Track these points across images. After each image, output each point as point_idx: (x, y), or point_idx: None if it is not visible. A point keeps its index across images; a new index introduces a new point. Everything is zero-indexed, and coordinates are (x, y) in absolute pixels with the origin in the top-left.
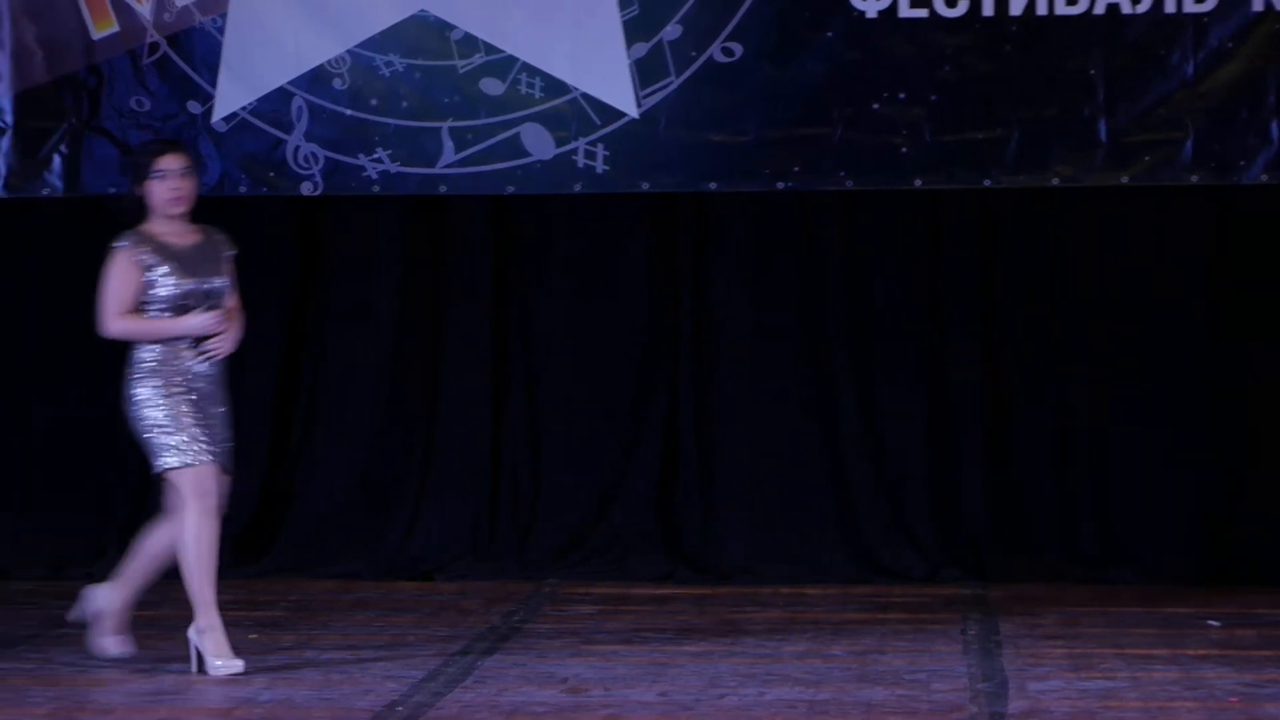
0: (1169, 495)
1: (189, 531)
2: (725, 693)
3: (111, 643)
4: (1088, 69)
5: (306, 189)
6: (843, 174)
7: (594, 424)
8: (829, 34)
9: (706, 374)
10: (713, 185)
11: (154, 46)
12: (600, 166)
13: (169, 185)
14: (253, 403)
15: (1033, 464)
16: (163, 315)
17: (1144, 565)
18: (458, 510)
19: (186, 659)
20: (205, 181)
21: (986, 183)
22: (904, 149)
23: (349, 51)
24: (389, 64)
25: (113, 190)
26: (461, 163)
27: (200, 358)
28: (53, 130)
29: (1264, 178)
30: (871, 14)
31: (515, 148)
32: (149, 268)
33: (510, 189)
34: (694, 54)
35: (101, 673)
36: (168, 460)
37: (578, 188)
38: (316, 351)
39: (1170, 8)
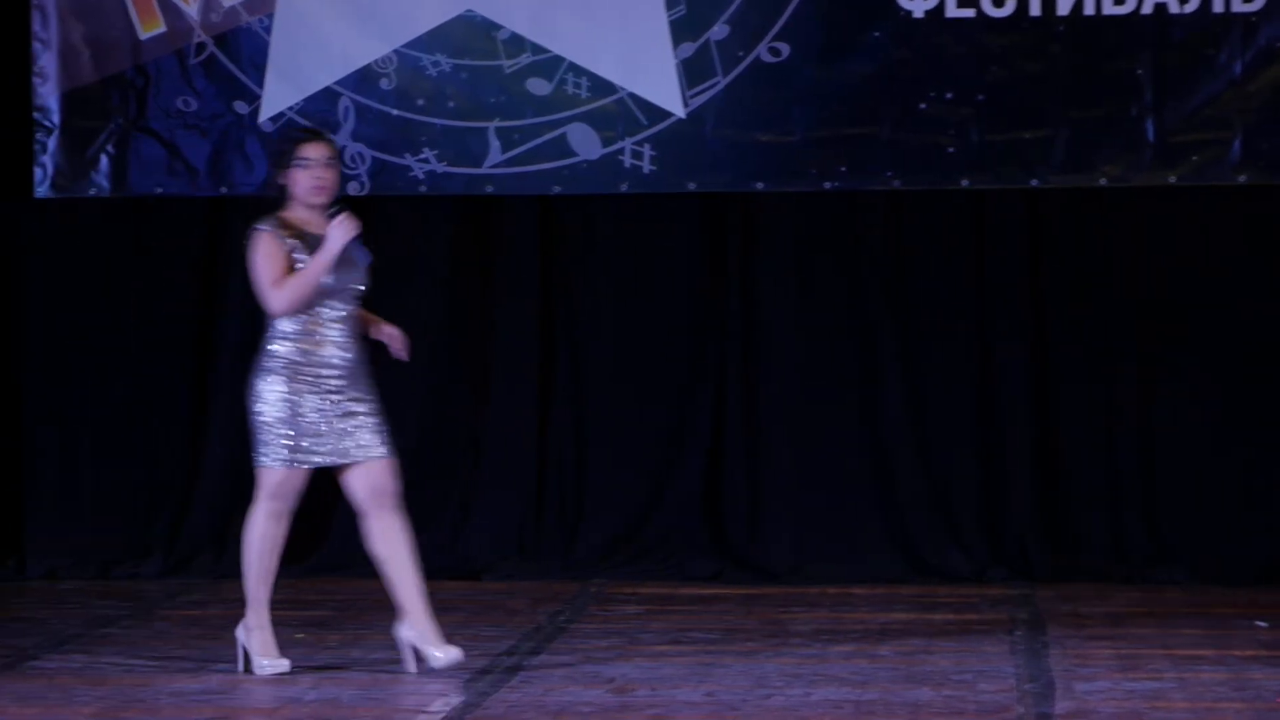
0: (1217, 496)
1: (255, 530)
2: (771, 693)
3: (447, 653)
4: (1135, 69)
5: (353, 189)
6: (890, 174)
7: (640, 424)
8: (876, 34)
9: (752, 374)
10: (759, 185)
11: (201, 46)
12: (647, 166)
13: (313, 174)
14: None
15: (1080, 464)
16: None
17: (1191, 565)
18: (505, 510)
19: (234, 659)
20: (251, 181)
21: (1034, 183)
22: (951, 149)
23: (396, 51)
24: (435, 64)
25: (159, 190)
26: (508, 163)
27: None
28: (100, 130)
29: None
30: (918, 14)
31: (562, 148)
32: (291, 251)
33: (556, 189)
34: (741, 54)
35: (147, 673)
36: (262, 456)
37: (624, 188)
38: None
39: (1218, 7)
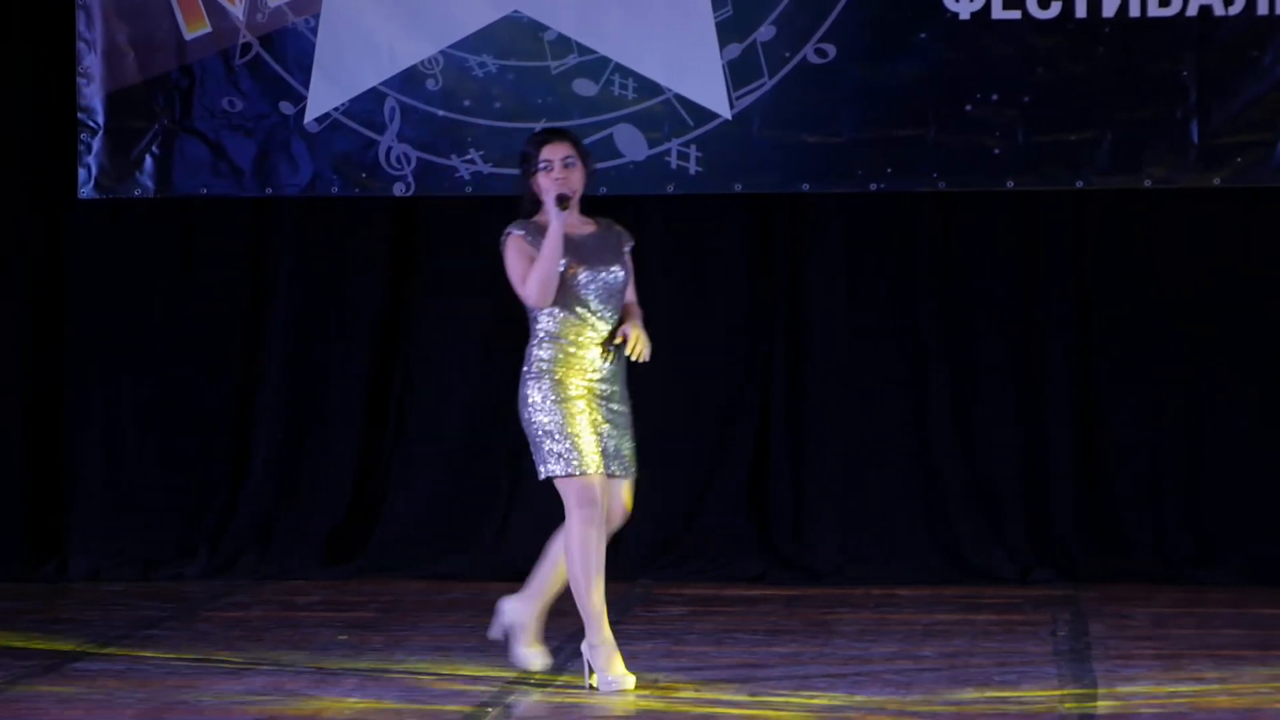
0: (1260, 496)
1: (575, 542)
2: (815, 694)
3: (530, 654)
4: (1180, 70)
5: (399, 190)
6: (935, 175)
7: (687, 424)
8: (922, 35)
9: (799, 374)
10: (806, 186)
11: (246, 47)
12: (693, 168)
13: (552, 176)
14: (345, 402)
15: (1124, 464)
16: (556, 310)
17: (1234, 566)
18: (550, 511)
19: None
20: (296, 182)
21: (1079, 184)
22: (996, 150)
23: (442, 52)
24: (482, 65)
25: (204, 191)
26: None
27: (612, 360)
28: (145, 131)
29: None
30: (965, 15)
31: (608, 148)
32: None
33: (603, 190)
34: (787, 55)
35: (190, 674)
36: (552, 468)
37: (671, 189)
38: (409, 351)
39: (1263, 9)
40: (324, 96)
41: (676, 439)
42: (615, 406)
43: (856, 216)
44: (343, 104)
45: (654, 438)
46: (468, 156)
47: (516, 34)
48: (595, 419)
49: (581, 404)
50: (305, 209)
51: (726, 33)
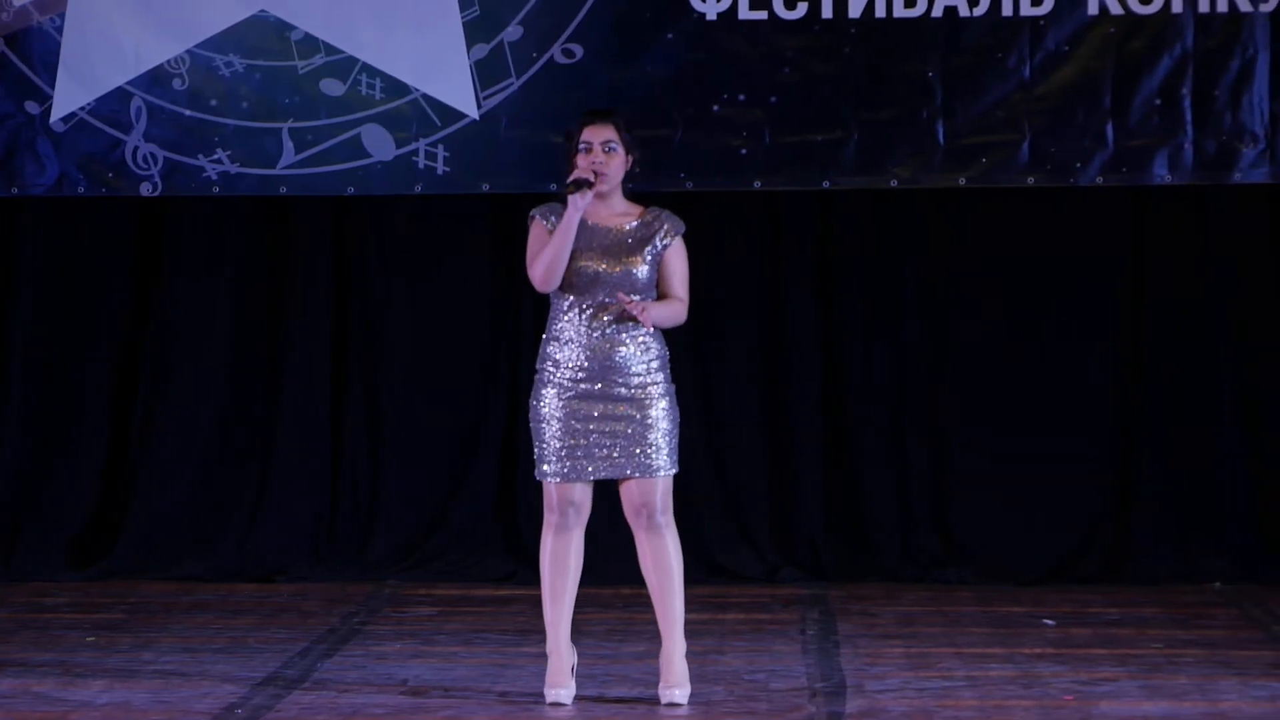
0: (1002, 496)
1: (543, 549)
2: None
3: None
4: (926, 71)
5: (146, 190)
6: (683, 175)
7: (433, 422)
8: (669, 35)
9: None
10: (553, 186)
11: None
12: (441, 167)
13: (589, 159)
14: (90, 403)
15: (870, 463)
16: (564, 296)
17: (979, 566)
18: (299, 511)
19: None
20: (43, 182)
21: (826, 184)
22: (744, 150)
23: (188, 51)
24: (229, 64)
25: None
26: (302, 163)
27: (610, 316)
28: None
29: (1100, 180)
30: (711, 16)
31: (356, 148)
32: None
33: (351, 190)
34: (535, 55)
35: None
36: (537, 471)
37: (418, 189)
38: (155, 351)
39: (1008, 10)
40: (70, 96)
41: (423, 438)
42: (621, 407)
43: None
44: (89, 103)
45: (401, 437)
46: (215, 156)
47: (263, 33)
48: (578, 424)
49: (566, 406)
50: (51, 209)
51: (474, 33)
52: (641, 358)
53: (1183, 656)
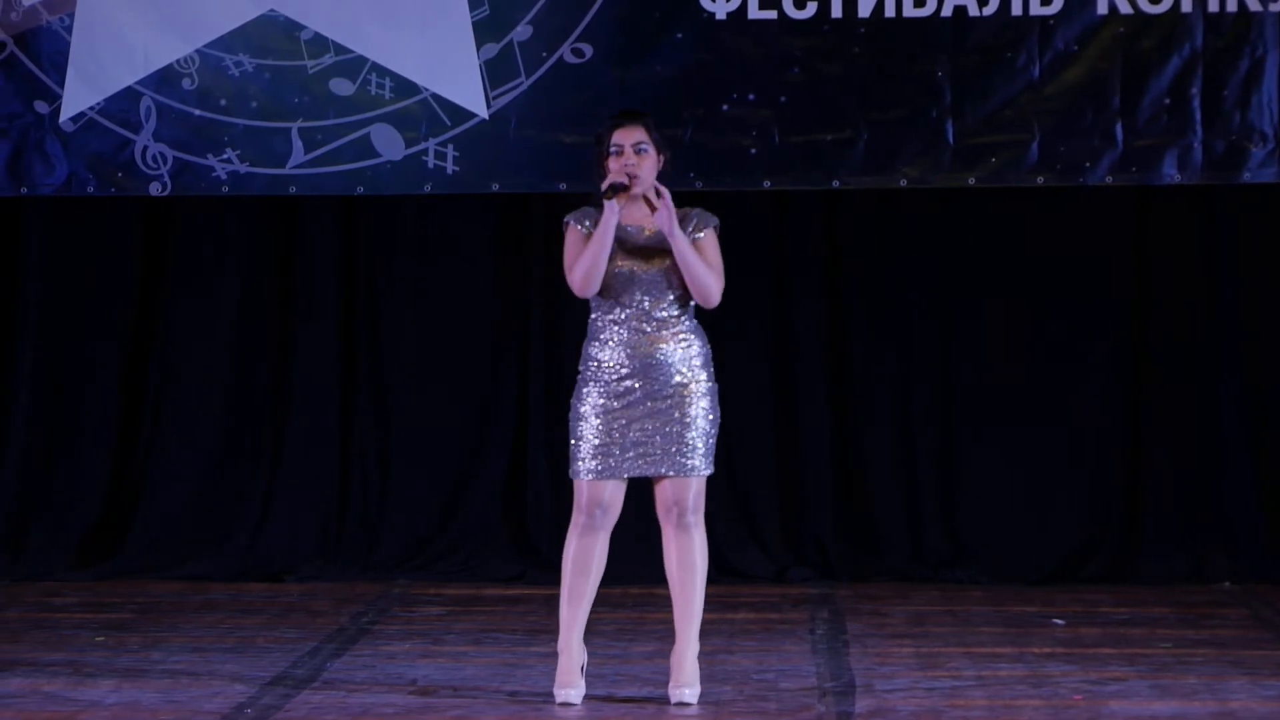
0: (1010, 497)
1: (567, 548)
2: None
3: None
4: (935, 71)
5: (155, 189)
6: (692, 175)
7: (442, 422)
8: (678, 35)
9: (555, 373)
10: (563, 186)
11: (0, 46)
12: (450, 167)
13: (621, 162)
14: (99, 402)
15: (879, 464)
16: (601, 298)
17: (988, 566)
18: (308, 511)
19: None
20: (52, 182)
21: (835, 184)
22: (753, 150)
23: (198, 51)
24: (238, 64)
25: None
26: (311, 163)
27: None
28: None
29: (1109, 179)
30: (721, 15)
31: (365, 148)
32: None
33: (360, 189)
34: (544, 55)
35: None
36: (571, 469)
37: (428, 188)
38: (164, 351)
39: (1017, 10)
40: (79, 96)
41: (432, 438)
42: (661, 404)
43: None
44: (98, 103)
45: (410, 436)
46: (224, 156)
47: (272, 33)
48: (617, 421)
49: (607, 403)
50: (60, 209)
51: (483, 32)
52: (684, 355)
53: (1192, 656)
